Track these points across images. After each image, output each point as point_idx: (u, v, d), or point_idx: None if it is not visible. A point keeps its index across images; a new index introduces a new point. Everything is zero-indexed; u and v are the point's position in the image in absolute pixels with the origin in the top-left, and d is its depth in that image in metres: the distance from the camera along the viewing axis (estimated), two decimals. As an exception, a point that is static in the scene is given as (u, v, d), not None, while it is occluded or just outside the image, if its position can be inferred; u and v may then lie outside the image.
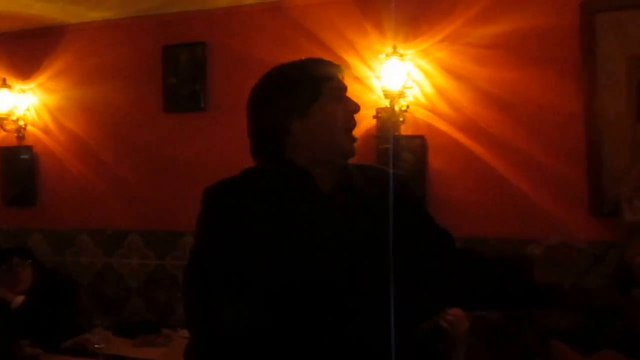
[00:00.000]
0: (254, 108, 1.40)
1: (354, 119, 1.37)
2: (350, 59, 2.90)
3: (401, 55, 2.74)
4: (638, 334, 1.85)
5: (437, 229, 1.49)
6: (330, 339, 1.26)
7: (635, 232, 2.30)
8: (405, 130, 2.81)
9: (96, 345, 2.50)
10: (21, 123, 3.59)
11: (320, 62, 1.40)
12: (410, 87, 2.79)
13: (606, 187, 2.49)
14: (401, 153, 2.80)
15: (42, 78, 3.60)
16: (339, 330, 1.26)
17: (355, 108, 1.37)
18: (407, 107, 2.80)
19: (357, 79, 2.87)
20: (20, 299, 2.81)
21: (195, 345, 1.34)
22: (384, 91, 2.75)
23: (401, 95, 2.77)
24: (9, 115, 3.55)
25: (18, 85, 3.60)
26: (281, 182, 1.34)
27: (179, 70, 3.24)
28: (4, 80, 3.54)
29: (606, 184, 2.49)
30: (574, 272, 1.24)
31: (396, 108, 2.77)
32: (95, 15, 3.35)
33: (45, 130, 3.60)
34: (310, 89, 1.32)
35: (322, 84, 1.32)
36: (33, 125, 3.61)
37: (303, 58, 1.42)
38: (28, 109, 3.61)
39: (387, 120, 2.78)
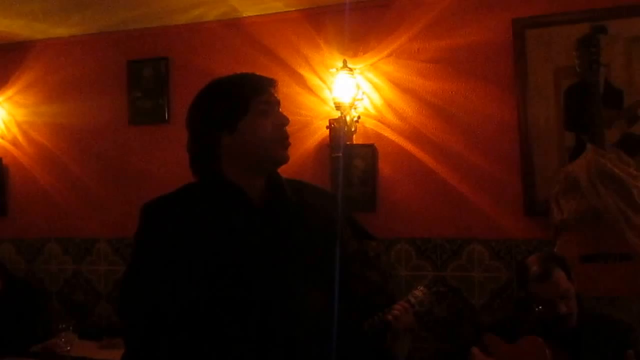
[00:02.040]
0: (189, 124, 1.43)
1: (284, 131, 1.37)
2: (305, 73, 3.03)
3: (351, 70, 2.88)
4: (545, 320, 2.02)
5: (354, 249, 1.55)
6: (259, 355, 1.28)
7: (562, 229, 2.47)
8: (356, 139, 2.94)
9: (66, 349, 2.55)
10: (-10, 136, 3.63)
11: (250, 77, 1.40)
12: (361, 99, 2.92)
13: (538, 189, 2.66)
14: (353, 161, 2.93)
15: (10, 92, 3.64)
16: (269, 345, 1.28)
17: (284, 121, 1.38)
18: (358, 117, 2.93)
19: (311, 91, 3.01)
20: None
21: (128, 356, 1.36)
22: (335, 103, 2.88)
23: (352, 106, 2.90)
24: (-22, 128, 3.59)
25: (-14, 99, 3.64)
26: (214, 197, 1.34)
27: (143, 85, 3.32)
28: (-27, 95, 3.58)
29: (538, 186, 2.66)
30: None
31: (348, 119, 2.90)
32: (60, 31, 3.41)
33: (14, 142, 3.63)
34: (237, 106, 1.34)
35: (249, 100, 1.34)
36: (2, 138, 3.64)
37: (235, 73, 1.43)
38: (-4, 123, 3.65)
39: (339, 130, 2.90)
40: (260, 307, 1.29)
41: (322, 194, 1.50)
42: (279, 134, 1.36)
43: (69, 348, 2.48)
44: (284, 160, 1.38)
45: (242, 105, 1.34)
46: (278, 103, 1.40)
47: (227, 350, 1.28)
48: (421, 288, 2.56)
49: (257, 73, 1.44)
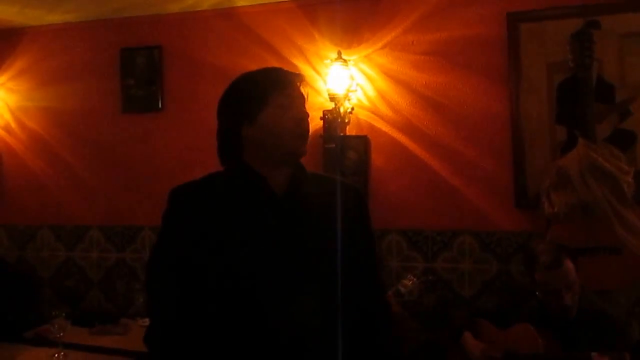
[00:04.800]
0: (217, 115, 1.44)
1: (302, 125, 1.35)
2: (299, 64, 2.94)
3: (345, 61, 2.79)
4: (548, 309, 1.99)
5: (368, 246, 1.47)
6: (269, 333, 1.29)
7: (552, 222, 2.43)
8: (349, 130, 2.87)
9: (59, 335, 2.48)
10: (-18, 122, 3.52)
11: (274, 71, 1.40)
12: (354, 91, 2.85)
13: (529, 183, 2.60)
14: (346, 152, 2.86)
15: (3, 78, 3.53)
16: (278, 324, 1.29)
17: (302, 115, 1.36)
18: (352, 109, 2.86)
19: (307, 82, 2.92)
20: None
21: (152, 330, 1.38)
22: (329, 94, 2.80)
23: (346, 98, 2.82)
24: (-30, 114, 3.48)
25: (-21, 85, 3.53)
26: (237, 183, 1.37)
27: (136, 72, 3.22)
28: (-35, 80, 3.47)
29: (529, 179, 2.61)
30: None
31: (341, 110, 2.83)
32: (53, 18, 3.30)
33: (7, 129, 3.53)
34: (257, 98, 1.34)
35: (270, 93, 1.33)
36: (-6, 124, 3.55)
37: (264, 67, 1.42)
38: (-11, 109, 3.54)
39: (333, 121, 2.83)
40: (266, 290, 1.30)
41: (345, 186, 1.47)
42: (297, 128, 1.35)
43: (61, 334, 2.40)
44: (300, 152, 1.37)
45: (262, 97, 1.34)
46: (301, 98, 1.38)
47: (235, 320, 1.31)
48: (410, 277, 2.52)
49: (282, 67, 1.43)
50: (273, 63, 2.88)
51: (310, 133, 1.38)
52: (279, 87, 1.34)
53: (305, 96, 1.39)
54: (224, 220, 1.33)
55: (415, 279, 2.45)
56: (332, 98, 2.80)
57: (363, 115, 2.87)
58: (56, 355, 2.39)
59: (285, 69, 1.41)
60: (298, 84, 1.38)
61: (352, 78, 2.81)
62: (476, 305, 2.58)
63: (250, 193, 1.36)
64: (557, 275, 1.96)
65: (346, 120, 2.85)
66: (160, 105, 3.20)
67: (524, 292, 2.04)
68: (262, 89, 1.34)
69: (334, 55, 2.82)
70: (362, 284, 1.39)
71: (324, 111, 2.85)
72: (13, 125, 3.51)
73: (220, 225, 1.32)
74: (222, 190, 1.37)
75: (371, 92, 2.87)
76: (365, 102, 2.87)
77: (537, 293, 2.00)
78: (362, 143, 2.85)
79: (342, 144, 2.84)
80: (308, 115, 1.38)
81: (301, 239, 1.34)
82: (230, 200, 1.35)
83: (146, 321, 2.75)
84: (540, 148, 2.60)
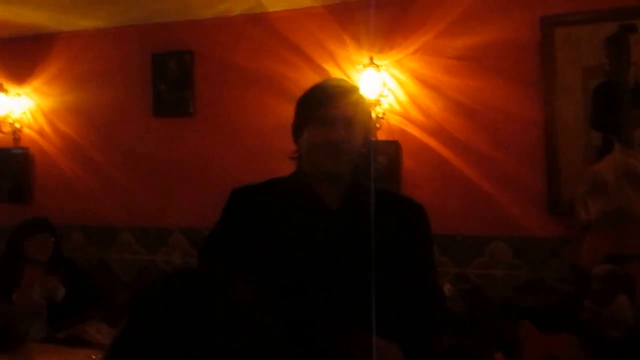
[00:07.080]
0: None
1: (331, 144, 1.32)
2: (330, 69, 2.92)
3: (377, 66, 2.77)
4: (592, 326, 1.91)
5: (425, 271, 1.43)
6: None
7: (587, 229, 2.38)
8: (381, 135, 2.84)
9: (97, 337, 2.47)
10: (17, 125, 3.56)
11: (321, 89, 1.39)
12: (386, 96, 2.82)
13: (562, 189, 2.56)
14: (377, 157, 2.84)
15: (37, 82, 3.56)
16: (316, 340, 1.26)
17: (331, 138, 1.31)
18: (383, 114, 2.84)
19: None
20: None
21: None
22: (360, 99, 2.78)
23: (377, 103, 2.80)
24: (5, 118, 3.52)
25: (14, 89, 3.56)
26: (290, 193, 1.40)
27: (167, 77, 3.23)
28: (1, 84, 3.50)
29: (563, 185, 2.56)
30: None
31: (373, 115, 2.81)
32: (86, 24, 3.32)
33: (40, 132, 3.56)
34: (302, 115, 1.39)
35: (311, 112, 1.36)
36: (28, 127, 3.58)
37: (322, 81, 1.45)
38: (24, 112, 3.57)
39: (363, 125, 2.81)
40: (308, 303, 1.30)
41: (405, 202, 1.47)
42: (325, 145, 1.33)
43: (99, 337, 2.41)
44: (331, 172, 1.35)
45: (305, 116, 1.38)
46: (340, 118, 1.33)
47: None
48: (448, 286, 2.49)
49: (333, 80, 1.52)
50: (304, 68, 2.87)
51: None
52: (320, 105, 1.35)
53: (351, 114, 1.34)
54: (276, 228, 1.34)
55: (452, 287, 2.42)
56: (363, 103, 2.78)
57: (394, 120, 2.85)
58: (93, 356, 2.39)
59: (337, 82, 1.42)
60: (340, 102, 1.33)
61: (384, 84, 2.79)
62: (521, 297, 2.51)
63: (303, 205, 1.37)
64: (607, 311, 1.81)
65: (377, 125, 2.83)
66: (191, 110, 3.21)
67: (571, 299, 1.97)
68: (305, 110, 1.39)
69: (365, 60, 2.79)
70: (416, 298, 1.38)
71: (354, 116, 2.83)
72: (46, 128, 3.55)
73: (271, 233, 1.34)
74: (279, 199, 1.40)
75: (402, 97, 2.84)
76: (397, 106, 2.85)
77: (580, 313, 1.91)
78: (393, 148, 2.83)
79: (373, 149, 2.81)
80: (341, 136, 1.32)
81: (350, 255, 1.33)
82: (285, 210, 1.37)
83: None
84: (574, 154, 2.55)
